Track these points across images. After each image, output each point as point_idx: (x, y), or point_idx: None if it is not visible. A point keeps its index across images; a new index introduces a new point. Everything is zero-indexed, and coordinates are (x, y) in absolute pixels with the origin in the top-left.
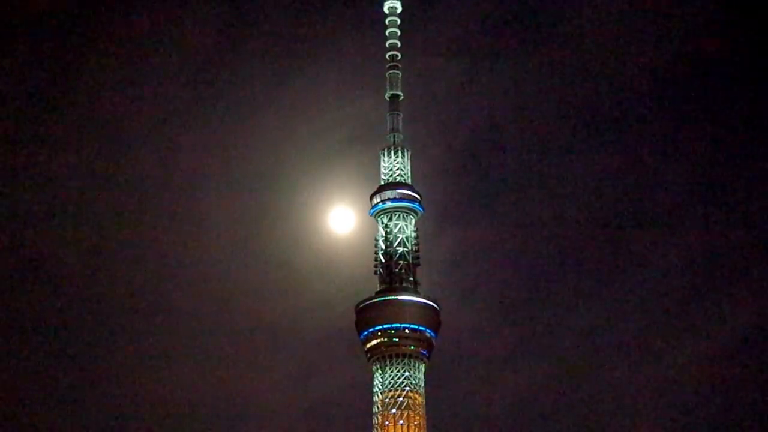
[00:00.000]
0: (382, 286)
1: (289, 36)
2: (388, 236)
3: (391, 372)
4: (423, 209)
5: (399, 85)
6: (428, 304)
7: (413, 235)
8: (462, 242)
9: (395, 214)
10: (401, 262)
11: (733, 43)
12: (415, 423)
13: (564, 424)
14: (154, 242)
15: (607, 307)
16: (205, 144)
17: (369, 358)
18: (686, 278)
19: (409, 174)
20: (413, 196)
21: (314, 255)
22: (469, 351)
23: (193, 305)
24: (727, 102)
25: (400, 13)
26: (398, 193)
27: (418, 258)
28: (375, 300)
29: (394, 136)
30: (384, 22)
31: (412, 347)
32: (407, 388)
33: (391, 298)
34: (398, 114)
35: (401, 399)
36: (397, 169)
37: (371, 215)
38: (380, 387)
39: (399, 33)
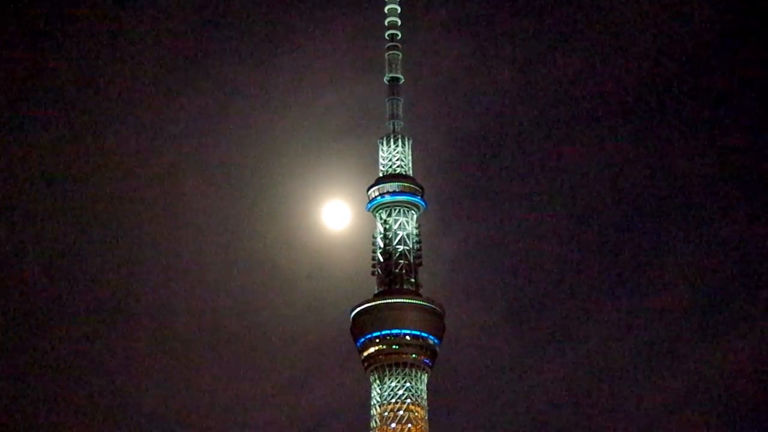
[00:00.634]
0: (381, 288)
1: (277, 11)
2: (387, 233)
3: (391, 383)
4: (425, 204)
5: (399, 67)
6: (431, 307)
7: (415, 232)
8: (468, 240)
9: (395, 209)
10: (401, 261)
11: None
12: None
13: None
14: (126, 242)
15: (625, 311)
16: (183, 132)
17: (366, 368)
18: (712, 278)
19: (410, 165)
20: (415, 189)
21: (306, 254)
22: (476, 359)
23: (172, 310)
24: (756, 85)
25: None
26: (398, 185)
27: (419, 257)
28: (373, 303)
29: (393, 123)
30: None
31: (414, 355)
32: (408, 401)
33: (390, 301)
34: (398, 99)
35: (401, 412)
36: (397, 160)
37: (368, 210)
38: (378, 399)
39: (399, 9)
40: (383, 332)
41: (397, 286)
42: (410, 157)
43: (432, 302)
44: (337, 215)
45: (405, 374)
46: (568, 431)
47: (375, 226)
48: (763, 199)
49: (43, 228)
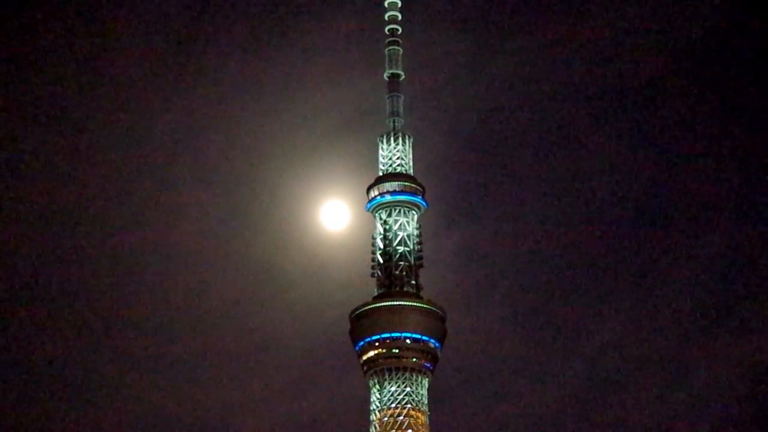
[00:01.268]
0: (381, 291)
1: (274, 5)
2: (387, 234)
3: (391, 387)
4: (426, 203)
5: (399, 63)
6: (432, 310)
7: (415, 232)
8: (470, 241)
9: (395, 209)
10: (402, 263)
11: None
12: None
13: None
14: (121, 243)
15: (633, 315)
16: (178, 131)
17: (365, 372)
18: (722, 283)
19: (411, 164)
20: (415, 188)
21: (304, 256)
22: (478, 363)
23: (167, 313)
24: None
25: None
26: (398, 185)
27: (420, 258)
28: (372, 306)
29: (393, 121)
30: None
31: (414, 359)
32: (408, 406)
33: (390, 303)
34: (399, 96)
35: (402, 418)
36: (398, 158)
37: (368, 210)
38: (378, 404)
39: (399, 3)
40: (383, 335)
41: (397, 288)
42: (411, 156)
43: (433, 305)
44: (335, 215)
45: (405, 378)
46: None
47: (375, 227)
48: None
49: (36, 228)
